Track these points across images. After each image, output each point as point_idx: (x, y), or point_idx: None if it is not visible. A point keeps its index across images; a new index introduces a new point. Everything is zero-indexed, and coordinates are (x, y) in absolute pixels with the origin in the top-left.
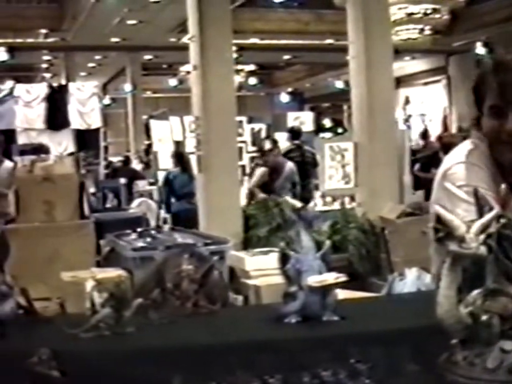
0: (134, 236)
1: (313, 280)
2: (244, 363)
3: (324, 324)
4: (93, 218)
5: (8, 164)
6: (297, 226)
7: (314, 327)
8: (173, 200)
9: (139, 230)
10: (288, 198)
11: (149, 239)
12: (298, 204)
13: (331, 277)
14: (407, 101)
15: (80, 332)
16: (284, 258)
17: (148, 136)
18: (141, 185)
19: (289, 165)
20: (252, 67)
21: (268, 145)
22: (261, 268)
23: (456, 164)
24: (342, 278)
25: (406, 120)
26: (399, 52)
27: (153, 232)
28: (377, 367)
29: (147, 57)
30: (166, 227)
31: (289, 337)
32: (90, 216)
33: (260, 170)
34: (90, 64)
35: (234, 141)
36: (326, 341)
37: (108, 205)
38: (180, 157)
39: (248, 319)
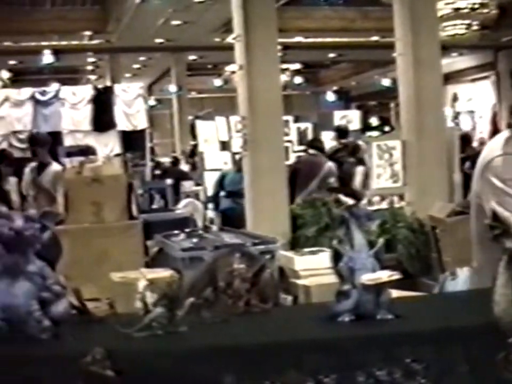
0: (182, 236)
1: (366, 278)
2: (297, 362)
3: (378, 322)
4: (141, 219)
5: (55, 166)
6: (349, 224)
7: (368, 326)
8: (223, 198)
9: (187, 230)
10: (341, 196)
11: (197, 239)
12: (350, 201)
13: (384, 275)
14: (455, 98)
15: (134, 331)
16: (337, 257)
17: (194, 136)
18: (188, 186)
19: (328, 165)
20: (297, 66)
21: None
22: (311, 267)
23: (497, 156)
24: (396, 275)
25: (455, 118)
26: (447, 48)
27: (201, 232)
28: (432, 366)
29: (192, 57)
30: (214, 227)
31: (343, 336)
32: (139, 216)
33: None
34: (135, 66)
35: (280, 140)
36: (380, 339)
37: (155, 206)
38: (235, 156)
39: (300, 318)
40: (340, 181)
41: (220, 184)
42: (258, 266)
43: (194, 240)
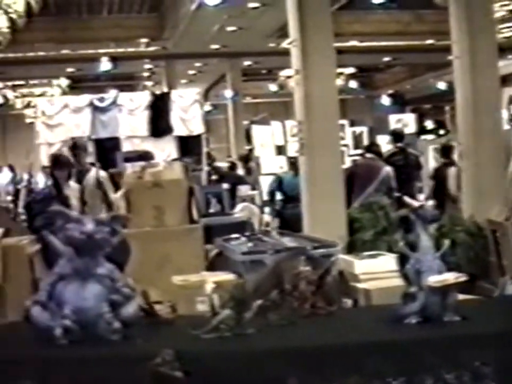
0: (242, 239)
1: (433, 280)
2: (364, 365)
3: (444, 324)
4: (202, 223)
5: (100, 172)
6: (415, 226)
7: (435, 328)
8: (280, 202)
9: (247, 234)
10: (406, 198)
11: (257, 243)
12: (415, 203)
13: (451, 277)
14: (511, 101)
15: (202, 333)
16: (403, 259)
17: (249, 141)
18: (244, 190)
19: (386, 169)
20: (351, 70)
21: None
22: (371, 271)
23: None
24: (462, 277)
25: (511, 120)
26: (503, 50)
27: (261, 236)
28: (501, 369)
29: (247, 63)
30: (274, 231)
31: (410, 338)
32: (199, 220)
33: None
34: (191, 72)
35: (337, 144)
36: (448, 342)
37: (211, 210)
38: (293, 161)
39: (366, 320)
40: (399, 184)
41: (276, 188)
42: (324, 269)
43: (254, 243)
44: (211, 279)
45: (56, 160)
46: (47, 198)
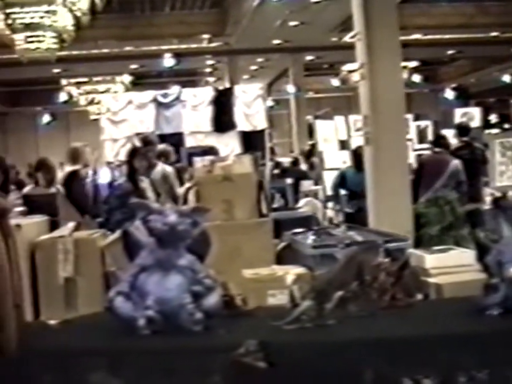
0: (310, 233)
1: None
2: (445, 356)
3: None
4: (271, 217)
5: (166, 167)
6: (497, 217)
7: None
8: (344, 198)
9: (315, 228)
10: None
11: (326, 237)
12: (497, 193)
13: None
14: None
15: (283, 324)
16: (483, 250)
17: (311, 136)
18: (307, 185)
19: (454, 163)
20: (414, 63)
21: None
22: (441, 265)
23: None
24: None
25: None
26: None
27: (329, 230)
28: None
29: (309, 57)
30: (342, 225)
31: (492, 329)
32: (269, 214)
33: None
34: (253, 67)
35: (403, 138)
36: None
37: (275, 205)
38: (357, 155)
39: (446, 311)
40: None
41: (340, 183)
42: (403, 260)
43: (323, 237)
44: (279, 272)
45: (135, 153)
46: (124, 192)
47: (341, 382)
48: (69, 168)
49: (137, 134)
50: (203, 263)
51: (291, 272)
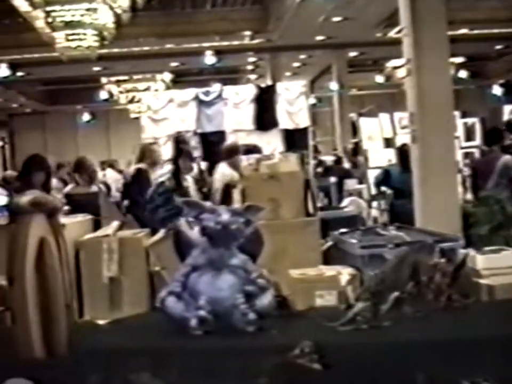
0: (358, 233)
1: None
2: (503, 359)
3: None
4: (318, 216)
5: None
6: None
7: None
8: (390, 196)
9: (363, 228)
10: None
11: (374, 237)
12: None
13: None
14: None
15: (338, 325)
16: None
17: (355, 134)
18: (351, 184)
19: (503, 160)
20: (461, 59)
21: None
22: (493, 266)
23: None
24: None
25: None
26: None
27: (378, 229)
28: None
29: (352, 54)
30: (390, 225)
31: None
32: (316, 213)
33: None
34: (295, 64)
35: (451, 136)
36: None
37: (319, 204)
38: (402, 152)
39: (503, 313)
40: None
41: (383, 181)
42: (459, 261)
43: (371, 237)
44: (327, 273)
45: (181, 152)
46: (169, 190)
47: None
48: (135, 166)
49: (178, 133)
50: (255, 263)
51: (343, 272)
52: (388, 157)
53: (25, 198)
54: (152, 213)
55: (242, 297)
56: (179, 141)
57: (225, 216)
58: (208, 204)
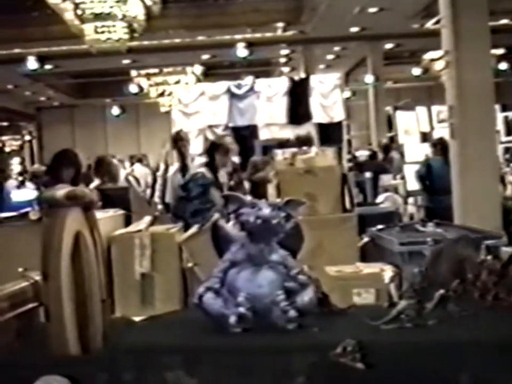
0: (396, 230)
1: None
2: None
3: None
4: (355, 212)
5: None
6: None
7: None
8: (427, 192)
9: (401, 224)
10: None
11: (413, 233)
12: None
13: None
14: None
15: (381, 323)
16: None
17: (390, 128)
18: (386, 179)
19: None
20: (501, 51)
21: None
22: None
23: None
24: None
25: None
26: None
27: (417, 226)
28: None
29: (388, 46)
30: (430, 221)
31: None
32: (353, 209)
33: None
34: (329, 56)
35: (492, 130)
36: None
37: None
38: (444, 145)
39: None
40: None
41: (425, 173)
42: (507, 258)
43: (410, 234)
44: (365, 271)
45: (217, 146)
46: (207, 182)
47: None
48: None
49: (210, 127)
50: (295, 259)
51: (386, 269)
52: (425, 152)
53: (61, 191)
54: (185, 203)
55: (283, 293)
56: (177, 139)
57: (265, 211)
58: (248, 198)
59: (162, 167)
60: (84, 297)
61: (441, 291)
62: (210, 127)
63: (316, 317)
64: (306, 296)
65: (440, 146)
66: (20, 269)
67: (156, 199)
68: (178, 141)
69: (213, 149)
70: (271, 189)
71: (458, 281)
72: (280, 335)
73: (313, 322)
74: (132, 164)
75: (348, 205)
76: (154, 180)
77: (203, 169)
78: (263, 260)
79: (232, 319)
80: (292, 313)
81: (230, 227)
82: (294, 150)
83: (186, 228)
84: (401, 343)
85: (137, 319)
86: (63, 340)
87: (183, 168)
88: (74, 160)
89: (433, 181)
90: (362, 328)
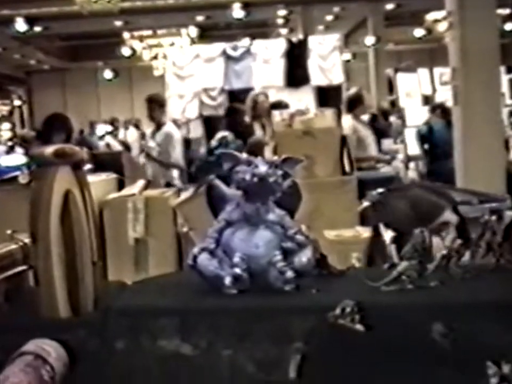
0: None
1: None
2: None
3: None
4: (355, 175)
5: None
6: None
7: None
8: (429, 155)
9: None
10: None
11: None
12: None
13: None
14: None
15: (381, 284)
16: None
17: (391, 91)
18: (387, 143)
19: None
20: (507, 11)
21: None
22: None
23: None
24: None
25: None
26: None
27: None
28: None
29: (389, 6)
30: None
31: None
32: (353, 172)
33: None
34: (328, 17)
35: (497, 93)
36: None
37: None
38: (444, 108)
39: None
40: None
41: (427, 135)
42: (511, 218)
43: None
44: (364, 235)
45: (235, 110)
46: (235, 148)
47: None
48: None
49: (205, 90)
50: (293, 219)
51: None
52: (427, 115)
53: (49, 149)
54: (213, 169)
55: (280, 254)
56: (152, 100)
57: (262, 168)
58: (244, 155)
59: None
60: (74, 259)
61: (444, 252)
62: (205, 90)
63: (314, 278)
64: (304, 257)
65: (440, 110)
66: (8, 231)
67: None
68: (151, 104)
69: (232, 113)
70: (267, 152)
71: (462, 242)
72: (277, 296)
73: (311, 284)
74: (126, 128)
75: (347, 167)
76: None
77: (227, 133)
78: (260, 219)
79: (228, 280)
80: (289, 274)
81: (225, 187)
82: (293, 110)
83: None
84: (402, 304)
85: (130, 282)
86: (53, 303)
87: (155, 132)
88: (65, 125)
89: (435, 144)
90: (362, 290)
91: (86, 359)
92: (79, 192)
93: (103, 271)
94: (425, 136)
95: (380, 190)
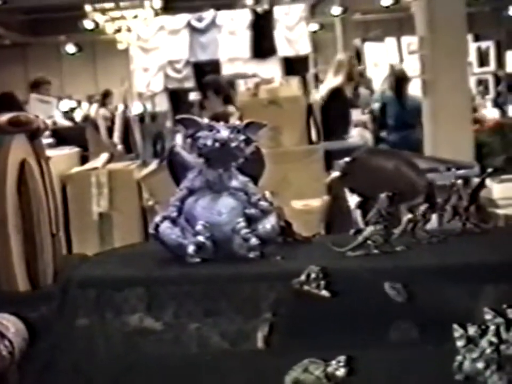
0: None
1: None
2: None
3: None
4: (322, 144)
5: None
6: None
7: None
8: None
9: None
10: None
11: None
12: None
13: None
14: None
15: (347, 250)
16: None
17: (359, 61)
18: (355, 114)
19: None
20: None
21: None
22: (511, 196)
23: None
24: None
25: None
26: None
27: None
28: None
29: None
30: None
31: None
32: (320, 142)
33: None
34: None
35: (464, 61)
36: None
37: None
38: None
39: None
40: None
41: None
42: (478, 182)
43: None
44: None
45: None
46: None
47: (410, 311)
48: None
49: (170, 63)
50: (257, 185)
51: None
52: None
53: (3, 117)
54: None
55: (243, 221)
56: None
57: (224, 133)
58: (205, 120)
59: (120, 106)
60: (33, 231)
61: (409, 216)
62: (170, 62)
63: (278, 246)
64: (269, 224)
65: (394, 78)
66: None
67: (115, 139)
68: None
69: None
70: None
71: (428, 206)
72: (241, 264)
73: (276, 251)
74: (91, 103)
75: (314, 137)
76: (112, 120)
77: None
78: (222, 186)
79: (191, 249)
80: (254, 241)
81: (187, 154)
82: (258, 79)
83: None
84: (367, 269)
85: (91, 254)
86: (11, 276)
87: None
88: (14, 103)
89: (390, 118)
90: (328, 256)
91: (46, 333)
92: (36, 163)
93: (68, 247)
94: (380, 113)
95: (347, 159)
